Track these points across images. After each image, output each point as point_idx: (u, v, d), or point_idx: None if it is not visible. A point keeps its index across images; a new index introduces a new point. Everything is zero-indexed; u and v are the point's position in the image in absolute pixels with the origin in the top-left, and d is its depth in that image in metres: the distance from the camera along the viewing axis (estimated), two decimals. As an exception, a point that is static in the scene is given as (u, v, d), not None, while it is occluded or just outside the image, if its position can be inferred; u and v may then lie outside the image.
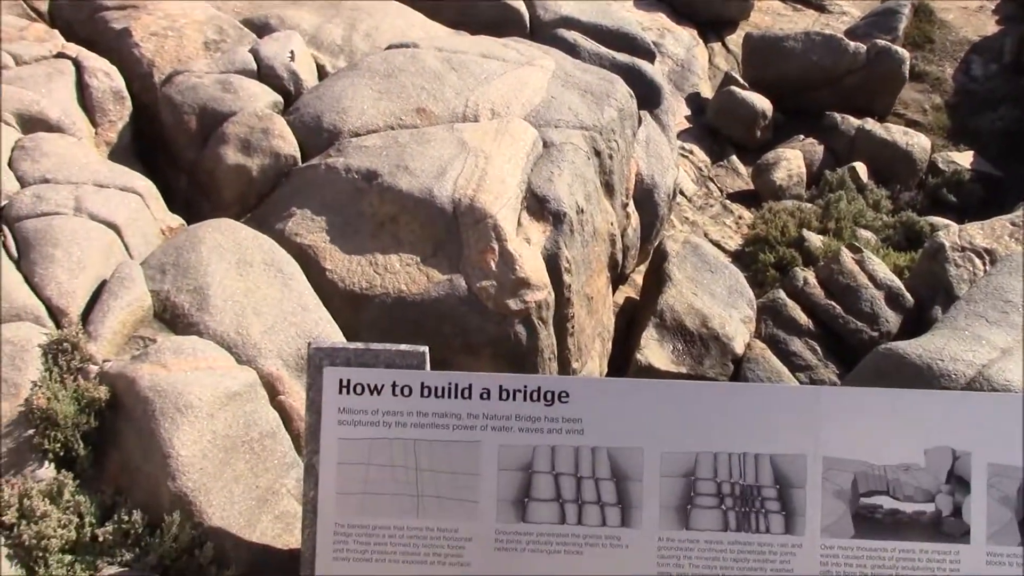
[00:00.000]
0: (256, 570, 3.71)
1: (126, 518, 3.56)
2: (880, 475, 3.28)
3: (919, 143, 9.89)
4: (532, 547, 3.29)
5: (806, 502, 3.28)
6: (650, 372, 6.00)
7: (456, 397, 3.34)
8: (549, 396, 3.32)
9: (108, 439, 3.80)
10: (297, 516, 3.75)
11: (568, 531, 3.30)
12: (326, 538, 3.31)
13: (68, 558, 3.46)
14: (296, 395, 4.17)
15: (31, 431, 3.68)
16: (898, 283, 6.85)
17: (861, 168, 9.64)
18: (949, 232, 7.12)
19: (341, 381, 3.36)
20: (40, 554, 3.41)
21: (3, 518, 3.44)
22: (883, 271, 6.93)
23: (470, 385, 3.33)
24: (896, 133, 9.94)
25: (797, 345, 6.50)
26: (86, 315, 4.20)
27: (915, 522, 3.27)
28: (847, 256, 7.01)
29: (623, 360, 6.43)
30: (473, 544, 3.30)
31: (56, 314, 4.13)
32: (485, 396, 3.33)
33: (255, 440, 3.89)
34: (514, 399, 3.33)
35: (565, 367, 5.42)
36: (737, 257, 8.25)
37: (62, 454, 3.69)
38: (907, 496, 3.28)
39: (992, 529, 3.27)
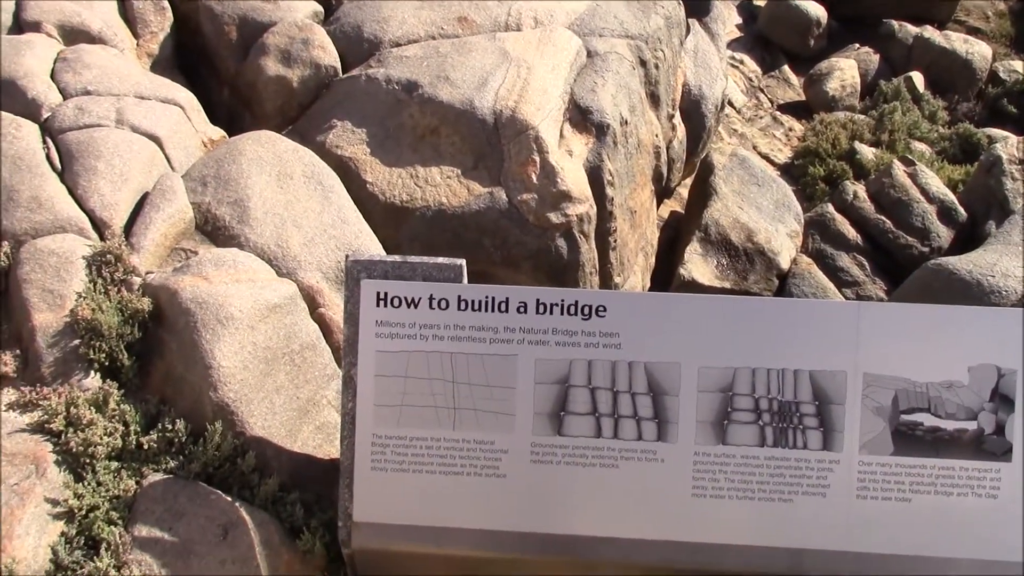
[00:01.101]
0: (297, 479, 3.78)
1: (170, 427, 3.64)
2: (922, 392, 3.23)
3: (980, 51, 9.54)
4: (567, 460, 3.31)
5: (845, 419, 3.25)
6: (693, 287, 5.94)
7: (493, 310, 3.32)
8: (586, 310, 3.30)
9: (152, 350, 3.85)
10: (337, 427, 3.80)
11: (604, 445, 3.30)
12: (364, 449, 3.35)
13: (114, 465, 3.55)
14: (336, 308, 4.19)
15: (76, 341, 3.74)
16: (951, 197, 6.68)
17: (918, 78, 9.35)
18: (1007, 144, 6.89)
19: (378, 294, 3.35)
20: (87, 460, 3.50)
21: (51, 425, 3.52)
22: (936, 185, 6.74)
23: (507, 298, 3.31)
24: (956, 41, 9.60)
25: (845, 261, 6.38)
26: (128, 227, 4.23)
27: (956, 440, 3.23)
28: (899, 169, 6.83)
29: (666, 275, 6.38)
30: (509, 456, 3.32)
31: (99, 226, 4.17)
32: (522, 310, 3.31)
33: (295, 352, 3.92)
34: (551, 313, 3.31)
35: (607, 282, 5.38)
36: (786, 170, 8.09)
37: (107, 364, 3.75)
38: (949, 413, 3.23)
39: (1036, 448, 3.23)
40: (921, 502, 3.24)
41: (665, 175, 6.60)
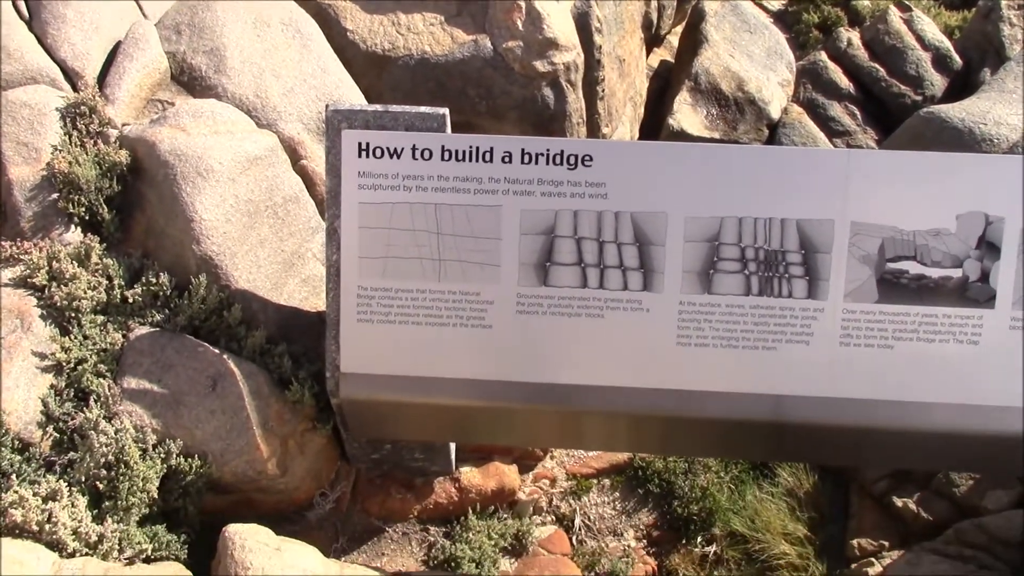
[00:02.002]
0: (284, 331, 3.80)
1: (154, 280, 3.62)
2: (908, 240, 3.22)
3: None
4: (553, 310, 3.32)
5: (831, 267, 3.24)
6: (682, 137, 5.84)
7: (477, 160, 3.26)
8: (572, 160, 3.24)
9: (132, 203, 3.80)
10: (323, 280, 3.79)
11: (589, 295, 3.30)
12: (350, 300, 3.35)
13: (100, 318, 3.55)
14: (318, 160, 4.12)
15: (55, 195, 3.69)
16: (947, 44, 6.51)
17: (918, -81, 9.01)
18: (1007, -12, 6.68)
19: (360, 144, 3.29)
20: (72, 315, 3.49)
21: (34, 280, 3.50)
22: (932, 31, 6.57)
23: (491, 148, 3.25)
24: None
25: (836, 110, 6.27)
26: (102, 78, 4.11)
27: (940, 287, 3.24)
28: (895, 15, 6.64)
29: (656, 126, 6.27)
30: (495, 307, 3.33)
31: (72, 77, 4.04)
32: (507, 159, 3.25)
33: (278, 205, 3.87)
34: (536, 163, 3.25)
35: (594, 132, 5.29)
36: (779, 18, 7.85)
37: (87, 218, 3.71)
38: (935, 261, 3.22)
39: (1019, 294, 3.23)
40: (904, 349, 3.27)
41: (655, 22, 6.41)
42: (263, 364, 3.67)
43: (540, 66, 4.78)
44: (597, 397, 3.37)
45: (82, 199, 3.66)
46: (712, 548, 4.34)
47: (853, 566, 4.08)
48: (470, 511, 4.17)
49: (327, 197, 3.36)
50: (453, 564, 4.01)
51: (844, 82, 6.38)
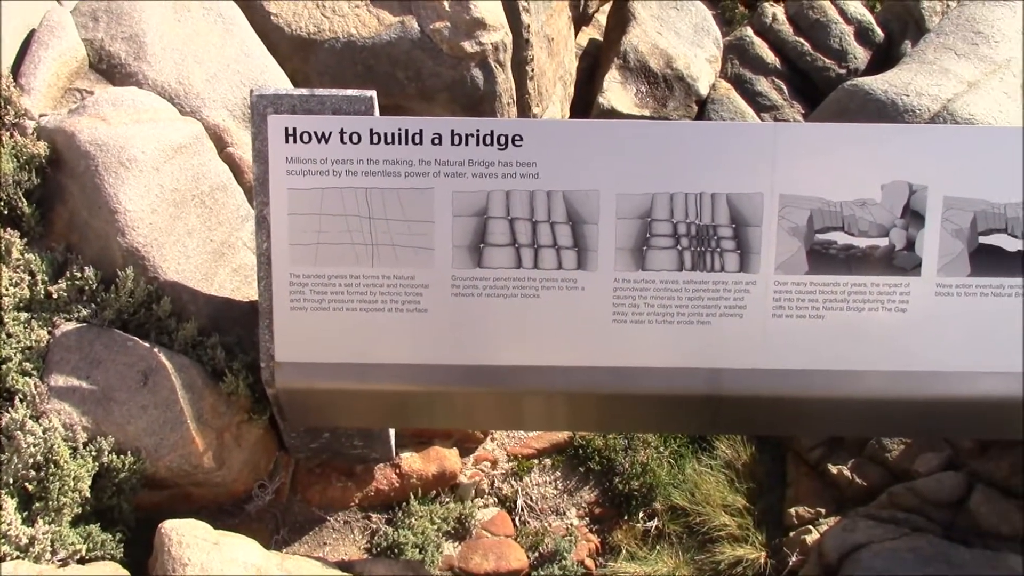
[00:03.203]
0: (216, 322, 3.74)
1: (79, 274, 3.53)
2: (836, 211, 3.27)
3: None
4: (489, 292, 3.31)
5: (761, 240, 3.28)
6: (613, 116, 5.86)
7: (407, 143, 3.23)
8: (503, 140, 3.23)
9: (52, 196, 3.70)
10: (254, 269, 3.74)
11: (524, 275, 3.30)
12: (282, 288, 3.31)
13: (24, 315, 3.45)
14: (245, 146, 4.05)
15: (-30, 189, 3.58)
16: (869, 17, 6.61)
17: None
18: (925, -39, 6.80)
19: (287, 129, 3.23)
20: (-6, 312, 3.40)
21: (-49, 278, 3.40)
22: (854, 6, 6.67)
23: (421, 130, 3.22)
24: None
25: (763, 85, 6.34)
26: (16, 68, 3.99)
27: (868, 257, 3.29)
28: (818, -10, 6.73)
29: (586, 105, 6.28)
30: (430, 291, 3.31)
31: (-16, 67, 3.92)
32: (437, 141, 3.23)
33: (206, 193, 3.80)
34: (467, 144, 3.23)
35: (525, 112, 5.28)
36: (705, -6, 7.92)
37: (6, 212, 3.60)
38: (862, 231, 3.28)
39: (943, 261, 3.31)
40: (834, 318, 3.33)
41: (583, 1, 6.42)
42: (196, 356, 3.61)
43: (468, 46, 4.76)
44: (535, 377, 3.37)
45: (0, 194, 3.55)
46: (654, 523, 4.39)
47: (791, 534, 4.16)
48: (412, 496, 4.16)
49: (255, 184, 3.31)
50: (396, 550, 3.99)
51: (770, 57, 6.46)
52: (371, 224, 3.26)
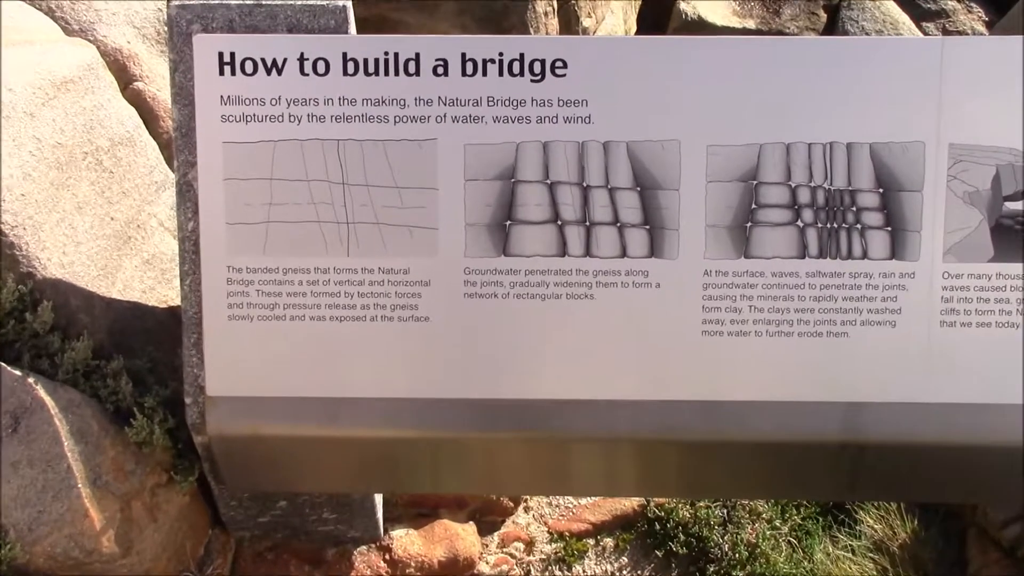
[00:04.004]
0: (121, 339, 3.79)
1: (-81, 271, 3.60)
2: (1035, 168, 3.27)
3: None
4: (518, 291, 3.33)
5: (922, 212, 3.28)
6: (701, 30, 5.89)
7: (398, 74, 3.26)
8: (538, 67, 3.25)
9: None
10: (174, 259, 3.78)
11: (571, 266, 3.32)
12: (216, 289, 3.33)
13: None
14: (160, 80, 4.11)
15: None
16: None
17: None
18: None
19: (222, 56, 3.27)
20: None
21: None
22: None
23: (417, 54, 3.24)
24: None
25: (926, -20, 6.34)
26: None
27: (1083, 235, 3.29)
28: None
29: (659, 14, 6.30)
30: (432, 290, 3.33)
31: None
32: (441, 71, 3.26)
33: (103, 150, 3.86)
34: (485, 74, 3.26)
35: (570, 27, 5.32)
36: None
37: None
38: (1074, 198, 3.28)
39: None
40: (1033, 327, 3.33)
41: None
42: (90, 389, 3.66)
43: (487, -72, 4.80)
44: (588, 417, 3.39)
45: None
46: (768, 633, 4.41)
47: (973, 647, 4.16)
48: (408, 594, 4.20)
49: (175, 136, 3.35)
50: (386, 673, 4.03)
51: (938, -64, 6.45)
52: (346, 193, 3.29)
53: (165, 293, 3.90)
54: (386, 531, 4.23)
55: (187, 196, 3.34)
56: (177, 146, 3.34)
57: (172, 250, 3.90)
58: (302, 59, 3.25)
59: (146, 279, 3.90)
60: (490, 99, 3.26)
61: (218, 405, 3.39)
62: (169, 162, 3.98)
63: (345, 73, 3.25)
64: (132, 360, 3.75)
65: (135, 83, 4.10)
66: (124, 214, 3.87)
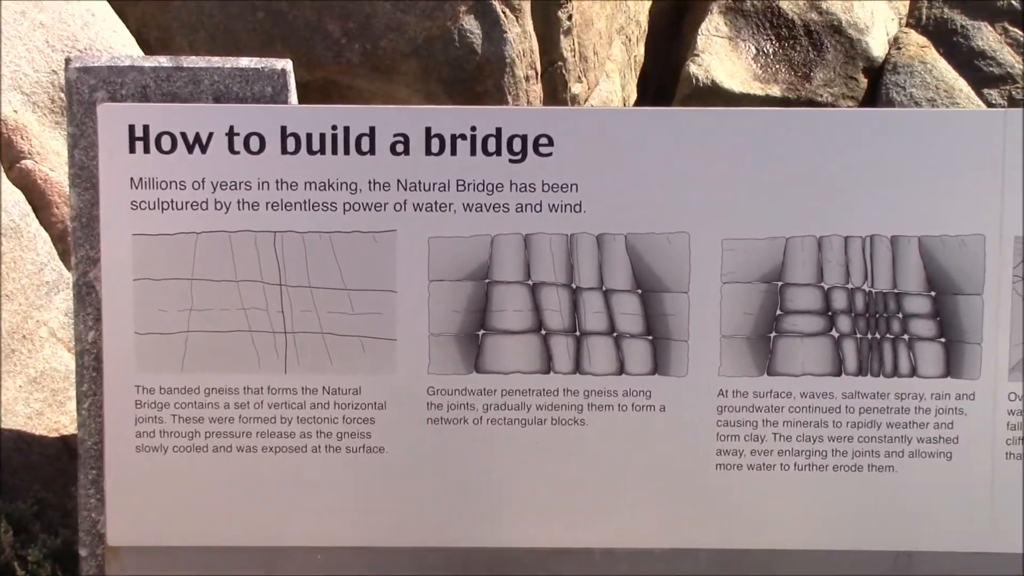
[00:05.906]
0: (1, 475, 3.80)
1: None
2: (1120, 268, 3.32)
3: None
4: (494, 416, 3.37)
5: (983, 319, 3.33)
6: (715, 97, 5.97)
7: (348, 152, 3.30)
8: (518, 145, 3.30)
9: None
10: (70, 377, 3.79)
11: (559, 385, 3.36)
12: (122, 414, 3.34)
13: None
14: (54, 158, 4.15)
15: None
16: None
17: None
18: None
19: (133, 129, 3.29)
20: None
21: None
22: None
23: (372, 128, 3.29)
24: None
25: (987, 37, 6.46)
26: None
27: None
28: None
29: (666, 76, 6.39)
30: (388, 414, 3.36)
31: None
32: (401, 148, 3.29)
33: (-16, 243, 3.90)
34: (454, 152, 3.30)
35: (557, 93, 5.38)
36: None
37: None
38: None
39: None
40: (1125, 461, 3.37)
41: None
42: (-39, 538, 3.67)
43: (454, -23, 4.89)
44: (580, 569, 3.41)
45: None
46: None
47: None
48: None
49: (73, 227, 3.37)
50: None
51: (1000, -13, 6.58)
52: (284, 296, 3.32)
53: (57, 419, 3.92)
54: None
55: (87, 300, 3.36)
56: (75, 239, 3.36)
57: (67, 366, 3.92)
58: (231, 134, 3.29)
59: (32, 402, 3.92)
60: (460, 183, 3.30)
61: (122, 557, 3.38)
62: (64, 258, 4.00)
63: (284, 151, 3.29)
64: (13, 503, 3.75)
65: (23, 161, 4.12)
66: (6, 322, 3.90)
